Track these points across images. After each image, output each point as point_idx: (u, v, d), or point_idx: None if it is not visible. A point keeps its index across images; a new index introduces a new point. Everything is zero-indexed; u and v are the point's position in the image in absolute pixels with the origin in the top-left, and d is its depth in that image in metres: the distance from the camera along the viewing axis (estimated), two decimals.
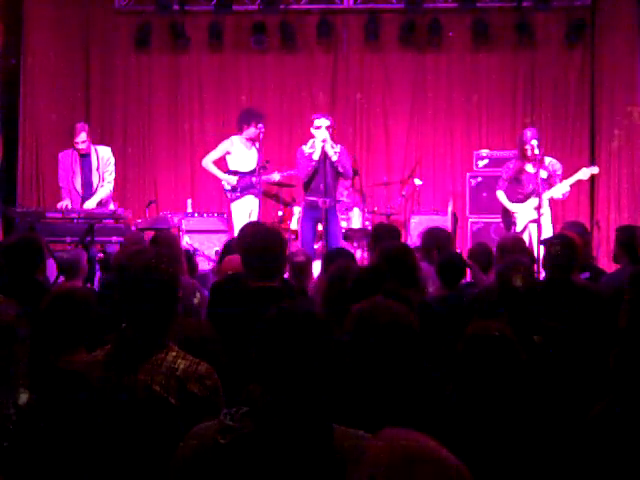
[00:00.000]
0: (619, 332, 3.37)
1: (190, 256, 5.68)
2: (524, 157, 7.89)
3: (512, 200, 8.07)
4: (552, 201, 8.10)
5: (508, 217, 8.13)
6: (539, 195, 7.54)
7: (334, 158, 7.52)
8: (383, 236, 5.29)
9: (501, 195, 8.12)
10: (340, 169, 7.57)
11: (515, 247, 5.18)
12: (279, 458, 1.93)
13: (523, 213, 7.96)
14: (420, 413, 2.39)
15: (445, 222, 8.70)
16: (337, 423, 2.08)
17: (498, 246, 5.33)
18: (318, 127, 7.58)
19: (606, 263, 8.83)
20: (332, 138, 7.65)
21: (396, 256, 4.08)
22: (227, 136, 8.82)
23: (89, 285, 5.97)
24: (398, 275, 3.77)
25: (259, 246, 3.76)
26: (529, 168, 7.91)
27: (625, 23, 9.88)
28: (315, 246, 7.94)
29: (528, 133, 7.92)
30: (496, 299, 3.93)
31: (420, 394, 2.48)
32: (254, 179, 8.18)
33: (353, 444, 1.95)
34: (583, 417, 2.86)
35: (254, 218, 7.92)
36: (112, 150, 8.32)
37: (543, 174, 7.79)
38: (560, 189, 7.89)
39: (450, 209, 9.07)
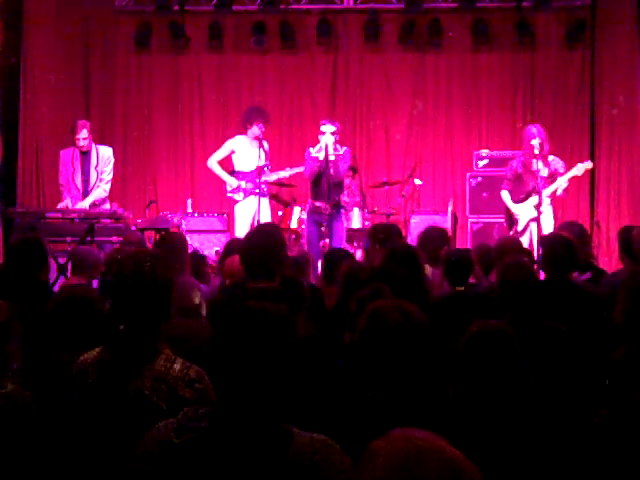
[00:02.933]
0: (617, 330, 3.37)
1: (200, 262, 5.60)
2: (529, 154, 7.83)
3: (515, 198, 8.03)
4: (553, 200, 8.06)
5: (510, 216, 8.12)
6: (539, 193, 7.55)
7: (331, 157, 7.61)
8: (381, 238, 5.25)
9: (505, 195, 8.08)
10: (332, 170, 7.63)
11: (512, 248, 5.17)
12: (231, 460, 1.90)
13: (524, 212, 7.95)
14: (425, 413, 2.39)
15: (445, 222, 8.69)
16: (346, 422, 2.08)
17: (495, 248, 5.32)
18: (323, 133, 7.69)
19: (606, 263, 8.83)
20: (337, 142, 7.75)
21: (404, 256, 4.08)
22: (229, 136, 8.82)
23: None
24: (406, 275, 3.77)
25: (256, 247, 3.76)
26: (532, 165, 7.85)
27: (625, 23, 9.87)
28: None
29: (533, 130, 7.87)
30: (497, 299, 3.93)
31: (426, 394, 2.48)
32: (258, 180, 8.17)
33: (312, 449, 1.93)
34: (583, 417, 2.87)
35: (261, 219, 7.91)
36: (112, 150, 8.32)
37: (544, 172, 7.78)
38: (558, 184, 7.85)
39: (450, 209, 9.06)
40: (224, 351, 2.01)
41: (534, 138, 7.73)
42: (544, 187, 7.73)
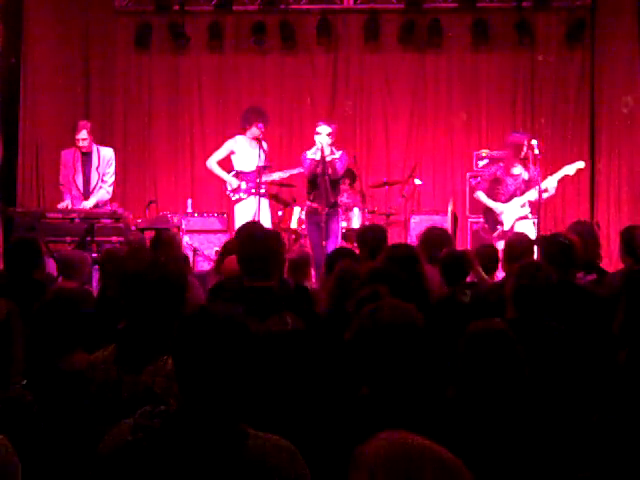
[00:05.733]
0: (616, 336, 3.38)
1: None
2: (517, 158, 7.90)
3: (493, 200, 8.07)
4: (540, 203, 7.98)
5: (493, 217, 8.06)
6: (521, 194, 7.79)
7: (328, 158, 7.63)
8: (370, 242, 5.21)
9: (482, 195, 8.09)
10: (329, 170, 7.65)
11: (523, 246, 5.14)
12: (181, 459, 1.90)
13: (510, 212, 7.93)
14: (422, 413, 2.39)
15: (445, 222, 8.69)
16: (337, 423, 2.07)
17: (506, 247, 5.29)
18: (318, 134, 7.71)
19: (606, 263, 8.81)
20: (333, 144, 7.76)
21: (404, 257, 4.07)
22: (229, 136, 8.81)
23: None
24: (406, 276, 3.76)
25: (254, 247, 3.76)
26: (515, 170, 7.94)
27: (625, 23, 9.89)
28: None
29: (520, 135, 8.08)
30: (497, 299, 3.93)
31: (423, 395, 2.47)
32: (258, 180, 8.17)
33: (268, 449, 1.92)
34: (582, 417, 2.86)
35: (261, 219, 7.91)
36: (113, 151, 8.31)
37: (525, 175, 7.89)
38: (546, 184, 7.83)
39: (450, 209, 9.05)
40: (180, 354, 2.01)
41: (524, 142, 7.86)
42: (525, 191, 7.86)
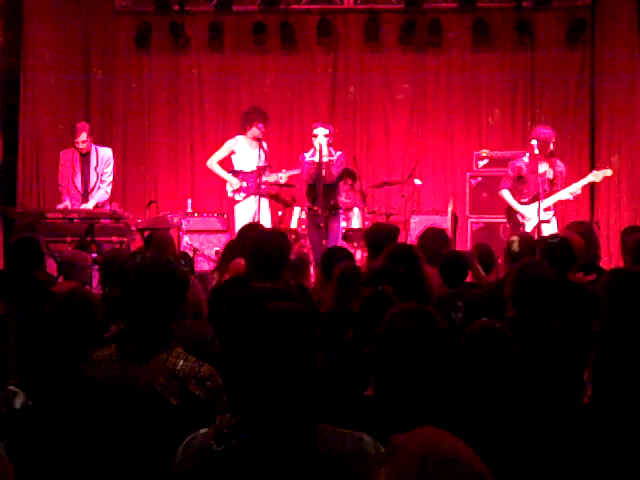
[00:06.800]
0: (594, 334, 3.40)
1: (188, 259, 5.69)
2: (542, 155, 7.58)
3: (517, 200, 7.78)
4: (557, 204, 7.88)
5: (515, 218, 7.82)
6: (545, 197, 7.48)
7: (324, 159, 7.65)
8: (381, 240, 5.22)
9: (507, 195, 7.80)
10: (323, 172, 7.66)
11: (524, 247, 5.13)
12: (270, 465, 1.91)
13: (533, 214, 7.63)
14: (425, 413, 2.39)
15: (445, 222, 8.68)
16: (341, 423, 2.07)
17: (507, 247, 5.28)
18: (315, 136, 7.72)
19: (606, 263, 8.83)
20: (331, 145, 7.78)
21: (404, 256, 4.08)
22: (229, 136, 8.82)
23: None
24: (406, 275, 3.77)
25: (263, 248, 3.77)
26: (541, 168, 7.64)
27: (625, 23, 9.88)
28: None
29: (546, 130, 7.70)
30: (496, 298, 3.93)
31: (430, 396, 2.48)
32: (258, 180, 8.18)
33: (339, 444, 1.95)
34: (582, 415, 2.87)
35: (260, 219, 7.92)
36: (112, 150, 8.32)
37: (550, 174, 7.67)
38: (570, 190, 7.66)
39: (450, 209, 9.05)
40: (252, 356, 2.00)
41: (552, 138, 7.60)
42: (550, 192, 7.62)
